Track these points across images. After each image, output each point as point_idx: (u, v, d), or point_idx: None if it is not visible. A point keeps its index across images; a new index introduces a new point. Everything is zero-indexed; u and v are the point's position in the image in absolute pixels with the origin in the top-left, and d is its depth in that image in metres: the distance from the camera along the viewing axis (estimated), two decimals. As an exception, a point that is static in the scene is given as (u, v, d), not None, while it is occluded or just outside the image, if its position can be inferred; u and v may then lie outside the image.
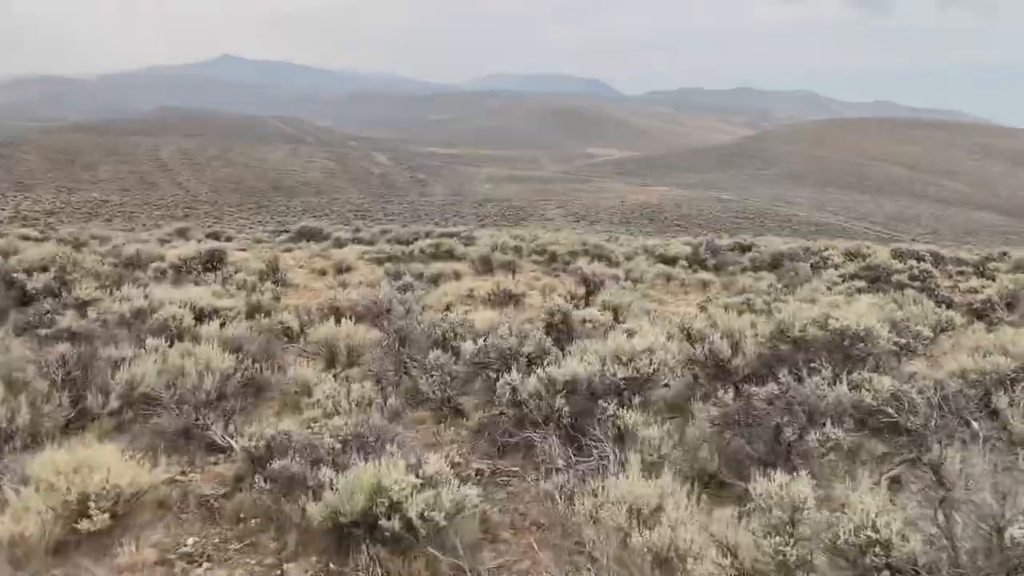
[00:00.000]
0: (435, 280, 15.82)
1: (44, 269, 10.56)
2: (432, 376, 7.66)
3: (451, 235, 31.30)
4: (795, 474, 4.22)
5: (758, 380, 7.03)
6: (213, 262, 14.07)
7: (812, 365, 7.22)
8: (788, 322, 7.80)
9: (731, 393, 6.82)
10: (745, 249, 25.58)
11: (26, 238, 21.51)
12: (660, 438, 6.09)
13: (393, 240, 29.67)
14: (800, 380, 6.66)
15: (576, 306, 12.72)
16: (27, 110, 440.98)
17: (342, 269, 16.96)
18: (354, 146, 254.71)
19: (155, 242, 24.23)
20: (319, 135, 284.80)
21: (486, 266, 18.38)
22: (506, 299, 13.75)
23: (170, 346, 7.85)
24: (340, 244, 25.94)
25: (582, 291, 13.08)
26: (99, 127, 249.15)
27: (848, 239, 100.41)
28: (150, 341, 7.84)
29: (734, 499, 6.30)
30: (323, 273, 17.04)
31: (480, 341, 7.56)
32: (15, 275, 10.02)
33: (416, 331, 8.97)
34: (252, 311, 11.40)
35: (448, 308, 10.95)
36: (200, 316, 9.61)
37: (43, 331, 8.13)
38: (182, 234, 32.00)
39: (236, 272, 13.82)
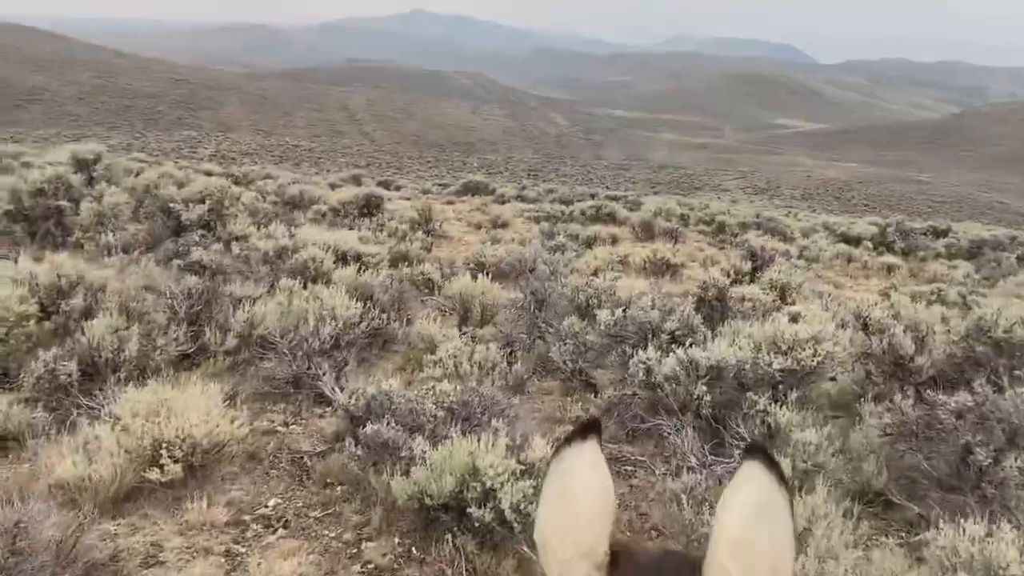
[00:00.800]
0: (590, 243, 15.08)
1: (202, 201, 10.70)
2: (565, 344, 7.01)
3: (615, 198, 30.36)
4: (995, 525, 3.22)
5: (946, 386, 5.91)
6: (369, 208, 14.00)
7: (1017, 373, 6.00)
8: (989, 319, 6.54)
9: (910, 398, 5.73)
10: (940, 234, 23.01)
11: (208, 173, 22.57)
12: (818, 443, 5.17)
13: (556, 200, 29.11)
14: (1000, 391, 5.48)
15: (737, 282, 11.66)
16: (233, 57, 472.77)
17: (498, 224, 16.55)
18: (532, 106, 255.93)
19: (324, 186, 24.90)
20: (499, 92, 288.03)
21: (647, 232, 17.42)
22: (662, 269, 12.83)
23: (303, 287, 7.64)
24: (503, 200, 25.64)
25: (747, 266, 11.95)
26: (297, 74, 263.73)
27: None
28: (283, 281, 7.64)
29: (901, 524, 5.30)
30: (479, 227, 16.71)
31: (618, 311, 6.79)
32: (173, 205, 10.20)
33: (555, 294, 8.33)
34: (397, 260, 11.16)
35: (596, 273, 10.23)
36: (342, 260, 9.39)
37: (179, 262, 8.12)
38: (356, 180, 32.87)
39: (390, 220, 13.68)
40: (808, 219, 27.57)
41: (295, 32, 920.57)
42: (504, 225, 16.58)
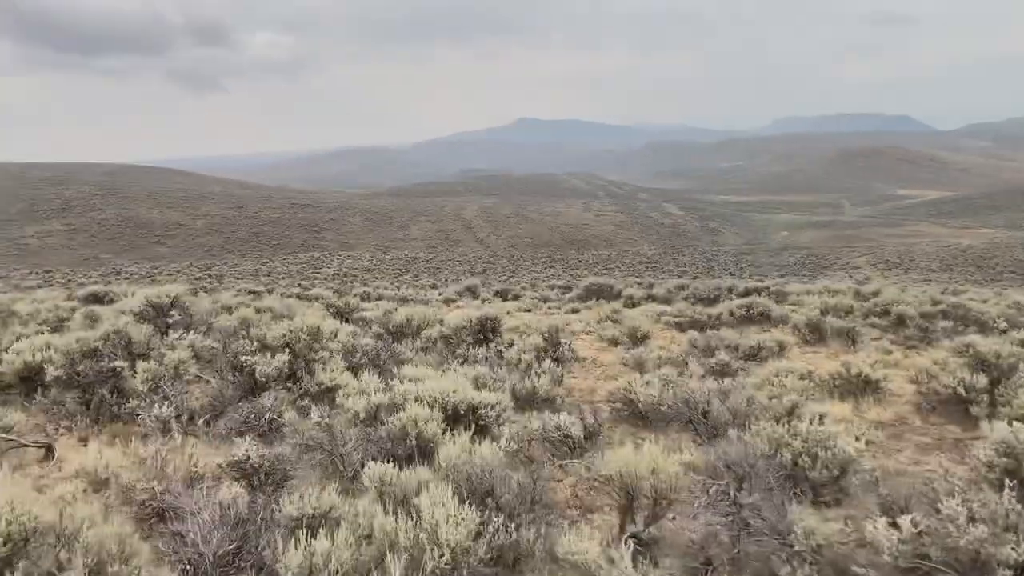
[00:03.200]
0: (754, 354, 12.32)
1: (285, 347, 8.73)
2: (804, 563, 4.32)
3: (759, 290, 27.27)
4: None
5: None
6: (485, 332, 11.76)
7: None
8: None
9: None
10: None
11: (317, 298, 21.18)
12: None
13: (692, 297, 26.28)
14: None
15: (970, 402, 8.66)
16: (351, 178, 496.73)
17: (636, 337, 14.00)
18: (644, 198, 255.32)
19: (438, 302, 23.11)
20: (610, 189, 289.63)
21: (815, 333, 14.46)
22: (860, 386, 9.91)
23: (398, 471, 5.34)
24: (632, 303, 23.13)
25: (980, 380, 8.94)
26: (411, 191, 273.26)
27: None
28: (369, 469, 5.36)
29: None
30: (614, 342, 14.20)
31: (907, 523, 4.06)
32: (246, 358, 8.24)
33: (754, 457, 5.69)
34: (523, 402, 8.77)
35: (793, 410, 7.53)
36: (453, 418, 7.11)
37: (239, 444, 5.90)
38: (471, 291, 31.12)
39: (510, 345, 11.39)
40: (995, 299, 23.61)
41: (407, 151, 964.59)
42: (644, 338, 14.02)
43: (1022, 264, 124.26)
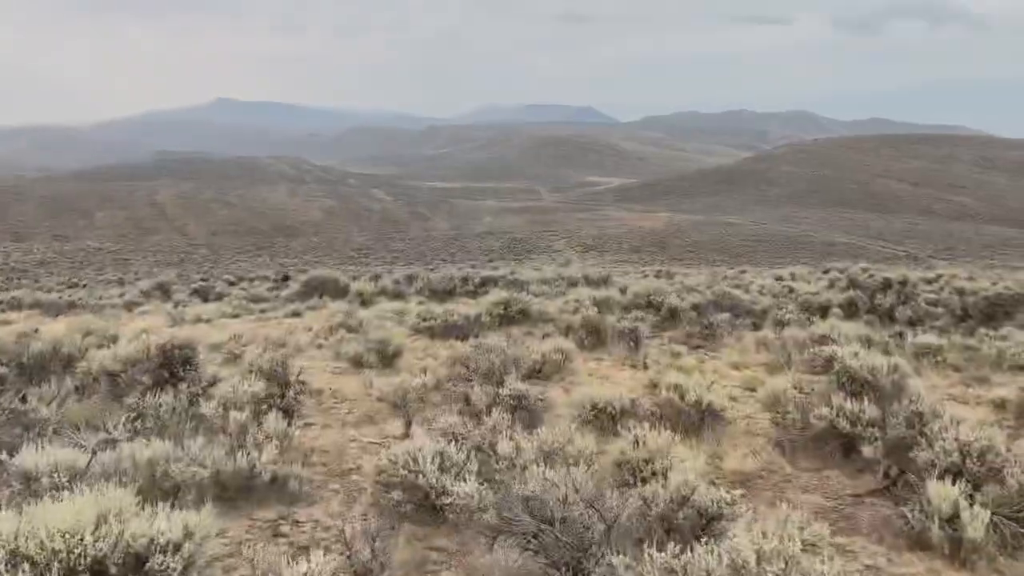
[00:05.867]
0: (538, 369, 9.70)
1: None
2: None
3: (494, 280, 25.20)
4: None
5: None
6: (173, 366, 7.94)
7: None
8: None
9: None
10: (903, 287, 19.05)
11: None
12: None
13: (426, 290, 23.53)
14: None
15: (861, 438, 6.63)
16: (22, 160, 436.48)
17: (386, 354, 10.81)
18: (353, 184, 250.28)
19: (111, 314, 17.98)
20: (317, 174, 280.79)
21: (594, 336, 12.25)
22: (696, 418, 7.58)
23: None
24: (363, 300, 19.80)
25: (870, 409, 6.90)
26: (95, 174, 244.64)
27: (868, 259, 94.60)
28: None
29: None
30: (357, 363, 10.84)
31: None
32: None
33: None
34: (235, 493, 5.30)
35: (639, 470, 4.85)
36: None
37: None
38: (163, 290, 25.83)
39: (212, 384, 7.70)
40: (761, 278, 23.30)
41: (92, 130, 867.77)
42: (395, 354, 10.87)
43: (696, 244, 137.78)
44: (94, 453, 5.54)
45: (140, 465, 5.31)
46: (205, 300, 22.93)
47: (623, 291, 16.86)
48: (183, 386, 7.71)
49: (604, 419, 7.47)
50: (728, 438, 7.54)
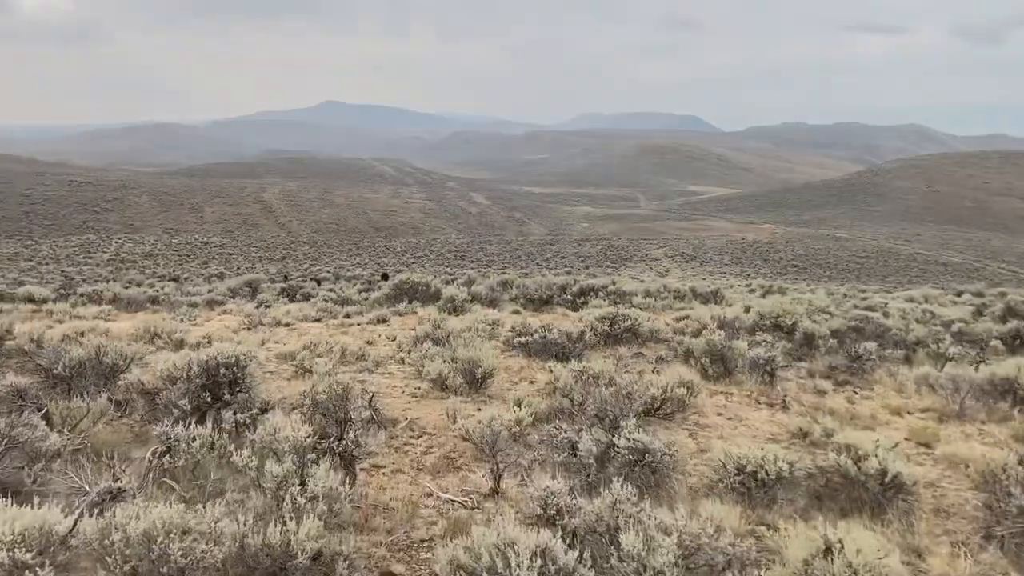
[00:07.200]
0: (656, 407, 7.96)
1: None
2: None
3: (594, 290, 23.39)
4: None
5: None
6: (218, 387, 6.56)
7: None
8: None
9: None
10: None
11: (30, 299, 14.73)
12: None
13: (521, 297, 21.91)
14: None
15: None
16: (142, 156, 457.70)
17: (475, 377, 9.20)
18: (452, 187, 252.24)
19: (189, 308, 16.94)
20: (418, 176, 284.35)
21: (719, 364, 10.37)
22: (878, 492, 5.69)
23: None
24: (453, 307, 18.33)
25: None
26: (207, 170, 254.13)
27: (988, 280, 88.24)
28: None
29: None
30: (441, 385, 9.23)
31: None
32: None
33: None
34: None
35: None
36: None
37: None
38: (252, 288, 25.03)
39: (263, 411, 6.29)
40: (892, 299, 20.90)
41: (207, 128, 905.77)
42: (486, 376, 9.28)
43: (801, 257, 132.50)
44: (79, 519, 4.09)
45: (133, 541, 3.83)
46: (291, 299, 21.96)
47: (747, 310, 14.82)
48: (228, 413, 6.28)
49: (754, 488, 5.67)
50: (919, 520, 5.62)
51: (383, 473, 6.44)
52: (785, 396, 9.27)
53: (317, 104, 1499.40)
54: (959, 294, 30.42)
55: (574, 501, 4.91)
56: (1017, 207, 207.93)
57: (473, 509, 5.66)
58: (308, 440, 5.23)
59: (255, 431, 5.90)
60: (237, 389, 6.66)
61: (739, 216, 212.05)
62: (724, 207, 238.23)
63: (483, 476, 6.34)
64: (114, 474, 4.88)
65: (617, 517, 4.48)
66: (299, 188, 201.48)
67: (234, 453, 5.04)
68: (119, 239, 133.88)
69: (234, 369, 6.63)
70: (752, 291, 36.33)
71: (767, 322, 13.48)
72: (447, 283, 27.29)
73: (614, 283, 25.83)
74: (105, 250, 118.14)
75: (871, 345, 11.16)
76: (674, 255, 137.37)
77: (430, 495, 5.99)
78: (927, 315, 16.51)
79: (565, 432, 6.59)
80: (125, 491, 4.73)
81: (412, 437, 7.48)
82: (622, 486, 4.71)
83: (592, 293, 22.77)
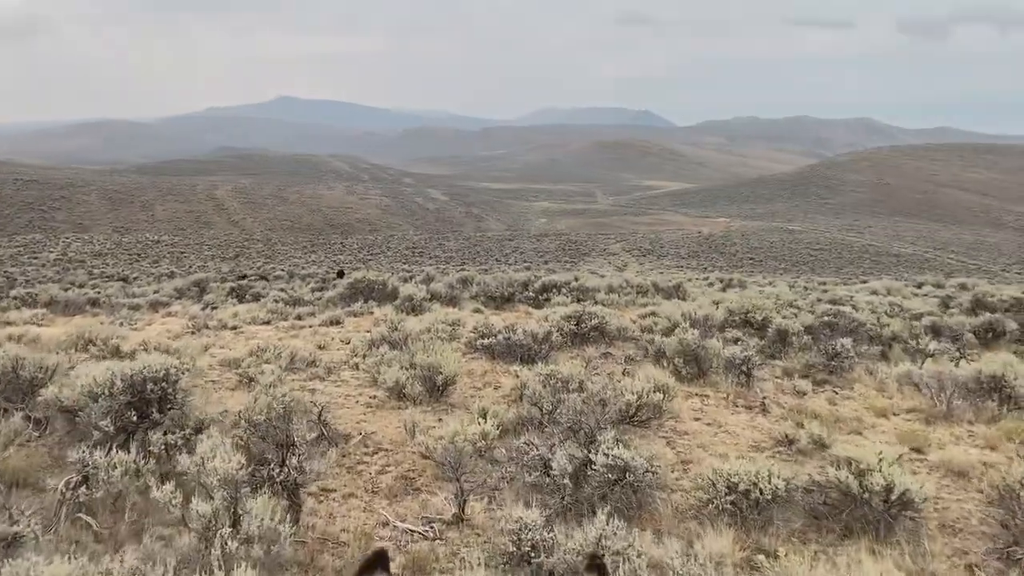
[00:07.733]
0: (630, 414, 7.37)
1: None
2: None
3: (556, 286, 22.84)
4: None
5: None
6: (146, 404, 5.79)
7: None
8: None
9: None
10: None
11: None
12: None
13: (482, 295, 21.27)
14: None
15: None
16: (90, 155, 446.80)
17: (435, 384, 8.43)
18: (408, 183, 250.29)
19: (133, 314, 15.94)
20: (374, 172, 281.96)
21: (693, 364, 9.81)
22: (882, 511, 5.16)
23: None
24: (412, 306, 17.61)
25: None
26: (159, 168, 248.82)
27: (939, 271, 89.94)
28: None
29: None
30: (399, 394, 8.53)
31: None
32: None
33: None
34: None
35: None
36: None
37: None
38: (200, 287, 24.01)
39: (196, 432, 5.56)
40: (856, 292, 20.62)
41: (157, 125, 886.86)
42: (447, 383, 8.60)
43: (756, 250, 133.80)
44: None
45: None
46: (241, 300, 21.01)
47: (715, 305, 14.34)
48: (157, 434, 5.54)
49: (747, 508, 5.10)
50: (930, 540, 5.10)
51: (333, 498, 5.75)
52: (764, 398, 8.78)
53: (270, 100, 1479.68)
54: (919, 285, 30.50)
55: (551, 534, 4.29)
56: (963, 199, 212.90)
57: (435, 540, 5.01)
58: (241, 472, 4.53)
59: (190, 453, 5.18)
60: (168, 406, 5.91)
61: (694, 210, 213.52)
62: (679, 201, 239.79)
63: (446, 499, 5.68)
64: (10, 515, 4.14)
65: (603, 550, 3.87)
66: (252, 185, 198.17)
67: (154, 488, 4.31)
68: (67, 238, 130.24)
69: (163, 384, 5.88)
70: (711, 284, 36.13)
71: (736, 318, 13.00)
72: (405, 281, 26.52)
73: (576, 279, 25.30)
74: (52, 250, 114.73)
75: (847, 342, 10.75)
76: (631, 249, 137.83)
77: (386, 524, 5.32)
78: (895, 308, 16.26)
79: (537, 448, 5.96)
80: (23, 537, 3.99)
81: (367, 454, 6.79)
82: (608, 519, 4.10)
83: (555, 289, 22.20)
